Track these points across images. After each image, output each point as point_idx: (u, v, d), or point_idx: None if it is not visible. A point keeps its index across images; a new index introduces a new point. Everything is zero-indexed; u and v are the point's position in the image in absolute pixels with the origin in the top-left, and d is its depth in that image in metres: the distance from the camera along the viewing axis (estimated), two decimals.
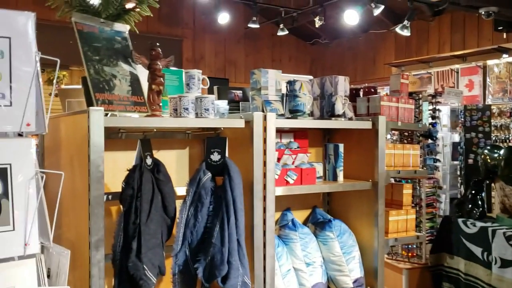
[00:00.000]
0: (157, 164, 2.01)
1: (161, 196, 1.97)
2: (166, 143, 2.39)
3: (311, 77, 3.05)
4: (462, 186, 4.59)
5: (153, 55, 1.99)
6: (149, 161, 1.97)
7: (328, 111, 2.65)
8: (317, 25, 6.97)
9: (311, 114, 2.65)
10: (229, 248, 1.99)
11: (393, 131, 4.33)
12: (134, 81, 2.04)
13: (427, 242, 4.18)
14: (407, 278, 4.02)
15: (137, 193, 1.89)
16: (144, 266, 1.85)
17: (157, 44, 2.02)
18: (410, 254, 4.26)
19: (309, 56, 9.80)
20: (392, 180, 3.50)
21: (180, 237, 2.04)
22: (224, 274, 1.98)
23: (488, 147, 4.08)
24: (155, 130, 2.19)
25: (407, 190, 2.98)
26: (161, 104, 2.02)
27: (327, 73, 8.71)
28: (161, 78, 1.99)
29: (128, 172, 1.96)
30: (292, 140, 2.70)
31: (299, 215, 2.78)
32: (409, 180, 3.74)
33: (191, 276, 2.05)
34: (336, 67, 9.10)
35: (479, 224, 3.72)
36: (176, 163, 2.42)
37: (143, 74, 2.07)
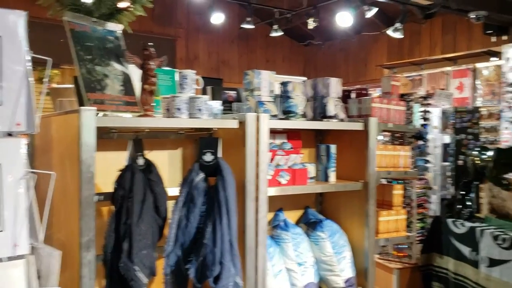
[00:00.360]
0: (149, 165, 2.01)
1: (152, 196, 1.97)
2: (159, 143, 2.38)
3: (304, 78, 3.06)
4: (452, 187, 4.62)
5: (146, 55, 1.98)
6: (141, 161, 1.97)
7: (320, 112, 2.66)
8: (309, 27, 6.99)
9: (304, 115, 2.67)
10: (221, 249, 1.99)
11: (385, 132, 4.35)
12: (126, 80, 2.04)
13: (418, 242, 4.20)
14: (398, 278, 4.04)
15: (128, 193, 1.89)
16: (136, 266, 1.84)
17: (150, 44, 2.01)
18: (401, 254, 4.28)
19: (303, 57, 9.82)
20: (384, 181, 3.53)
21: (172, 237, 2.03)
22: (216, 274, 1.97)
23: (477, 149, 4.12)
24: (147, 130, 2.18)
25: (398, 191, 3.00)
26: (153, 104, 2.01)
27: (320, 74, 8.73)
28: (154, 78, 1.99)
29: (119, 172, 1.96)
30: (285, 141, 2.71)
31: (291, 216, 2.78)
32: (400, 181, 3.76)
33: (183, 276, 2.05)
34: (329, 68, 9.13)
35: (468, 224, 3.75)
36: (168, 164, 2.41)
37: (136, 74, 2.06)
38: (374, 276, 2.71)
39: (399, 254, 4.30)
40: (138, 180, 1.90)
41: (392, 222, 2.92)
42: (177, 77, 2.24)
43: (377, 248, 2.83)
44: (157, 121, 2.02)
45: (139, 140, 2.02)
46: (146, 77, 1.97)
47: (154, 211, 1.98)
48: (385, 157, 2.95)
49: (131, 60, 2.01)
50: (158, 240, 2.05)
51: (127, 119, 1.95)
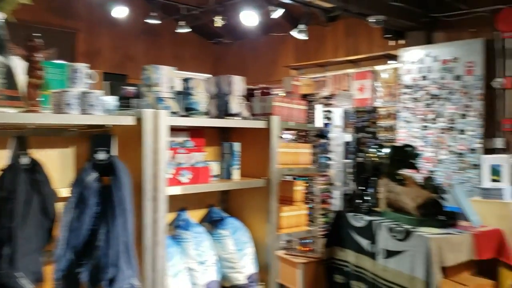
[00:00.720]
0: (34, 164, 1.87)
1: (39, 198, 1.84)
2: (48, 141, 2.22)
3: (209, 75, 3.05)
4: (353, 182, 4.85)
5: (31, 46, 1.84)
6: (25, 160, 1.83)
7: (223, 110, 2.66)
8: (215, 25, 6.99)
9: (208, 112, 2.64)
10: (115, 251, 1.91)
11: (290, 131, 4.47)
12: (8, 73, 1.88)
13: (322, 236, 4.36)
14: (302, 272, 4.15)
15: (10, 195, 1.75)
16: (19, 273, 1.71)
17: (36, 34, 1.87)
18: (306, 249, 4.41)
19: (213, 56, 9.79)
20: (289, 178, 3.61)
21: (63, 240, 1.92)
22: (110, 277, 1.89)
23: (375, 146, 4.35)
24: (33, 127, 2.03)
25: (299, 187, 3.08)
26: (40, 98, 1.88)
27: (230, 73, 8.70)
28: (41, 71, 1.86)
29: (1, 172, 1.80)
30: (188, 138, 2.67)
31: (196, 215, 2.75)
32: (303, 178, 3.88)
33: (75, 281, 1.94)
34: (239, 67, 9.18)
35: (367, 218, 3.92)
36: (60, 163, 2.27)
37: (20, 66, 1.91)
38: (276, 271, 2.76)
39: (304, 249, 4.42)
40: (21, 181, 1.76)
41: (294, 217, 3.00)
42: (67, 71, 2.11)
43: (279, 243, 2.88)
44: (44, 117, 1.88)
45: (23, 138, 1.87)
46: (31, 70, 1.84)
47: (42, 213, 1.85)
48: (287, 154, 3.02)
49: (14, 52, 1.86)
50: (46, 244, 1.92)
51: (8, 114, 1.80)
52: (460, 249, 3.37)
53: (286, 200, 3.05)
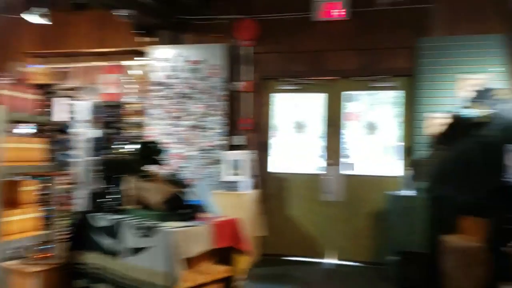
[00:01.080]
0: None
1: None
2: None
3: None
4: (98, 181, 4.63)
5: None
6: None
7: None
8: None
9: None
10: None
11: (28, 124, 3.98)
12: None
13: (63, 240, 4.01)
14: (39, 282, 3.74)
15: None
16: None
17: None
18: (45, 255, 4.00)
19: None
20: (28, 177, 3.19)
21: None
22: None
23: (122, 143, 4.26)
24: None
25: (29, 187, 2.75)
26: None
27: None
28: None
29: None
30: None
31: None
32: (42, 177, 3.50)
33: None
34: None
35: (112, 217, 3.81)
36: None
37: None
38: (6, 285, 2.40)
39: (42, 255, 4.00)
40: None
41: (23, 222, 2.67)
42: None
43: (5, 252, 2.50)
44: None
45: None
46: None
47: None
48: (15, 150, 2.66)
49: None
50: None
51: None
52: (200, 240, 3.55)
53: (13, 203, 2.68)
